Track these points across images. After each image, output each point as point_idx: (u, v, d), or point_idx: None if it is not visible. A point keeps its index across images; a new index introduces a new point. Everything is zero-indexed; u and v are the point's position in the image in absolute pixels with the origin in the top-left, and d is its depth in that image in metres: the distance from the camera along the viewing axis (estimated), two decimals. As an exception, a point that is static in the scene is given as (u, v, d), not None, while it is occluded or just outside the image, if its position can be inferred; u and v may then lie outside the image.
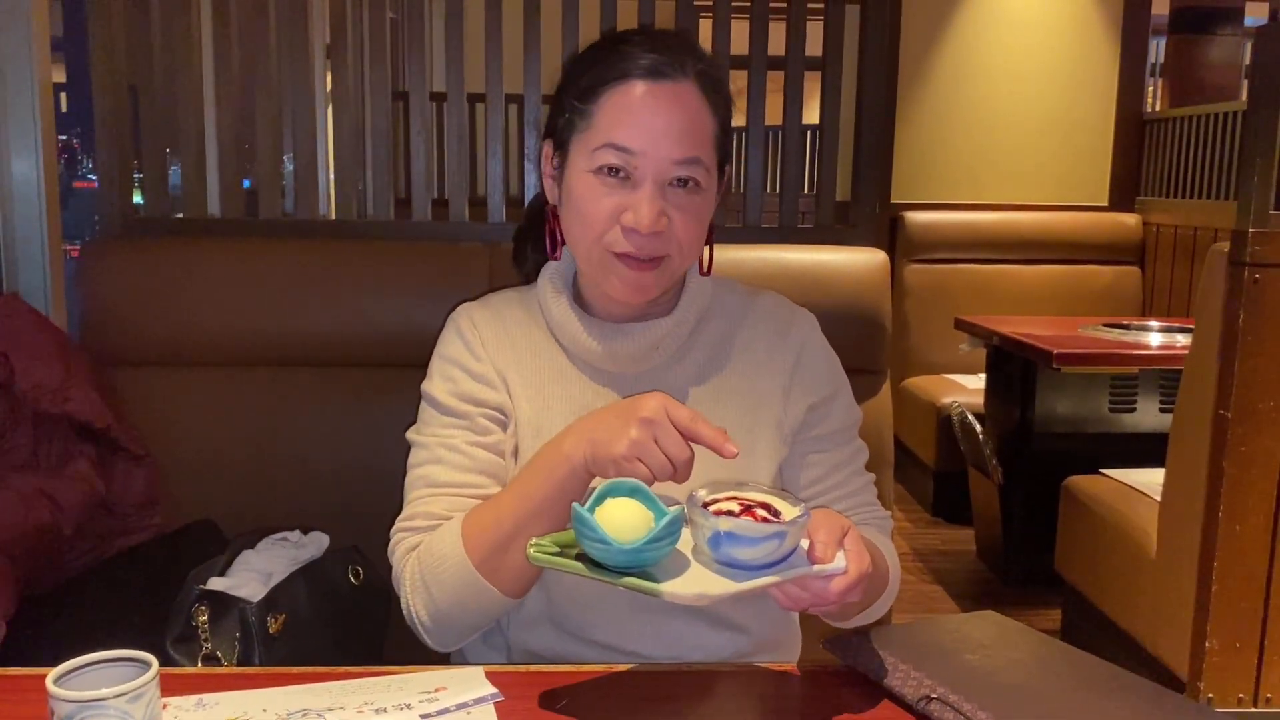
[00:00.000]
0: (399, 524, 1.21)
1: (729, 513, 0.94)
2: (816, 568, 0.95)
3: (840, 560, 0.96)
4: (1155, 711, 0.97)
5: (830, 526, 0.97)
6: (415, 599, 1.16)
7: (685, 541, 0.97)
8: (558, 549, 0.96)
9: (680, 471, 0.99)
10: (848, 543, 0.97)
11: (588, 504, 0.94)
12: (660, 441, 0.99)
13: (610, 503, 0.95)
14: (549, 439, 1.20)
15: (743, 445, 1.20)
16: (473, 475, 1.19)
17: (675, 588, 0.91)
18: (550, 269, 1.28)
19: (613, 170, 1.13)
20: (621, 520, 0.93)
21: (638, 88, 1.13)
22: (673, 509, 0.93)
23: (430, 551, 1.14)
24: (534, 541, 0.96)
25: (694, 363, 1.26)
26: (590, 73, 1.16)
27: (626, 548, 0.90)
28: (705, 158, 1.15)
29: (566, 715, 0.99)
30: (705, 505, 0.95)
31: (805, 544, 0.97)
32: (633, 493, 0.97)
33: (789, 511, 0.96)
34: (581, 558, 0.95)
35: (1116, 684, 1.02)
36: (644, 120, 1.12)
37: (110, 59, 1.83)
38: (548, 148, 1.24)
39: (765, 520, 0.94)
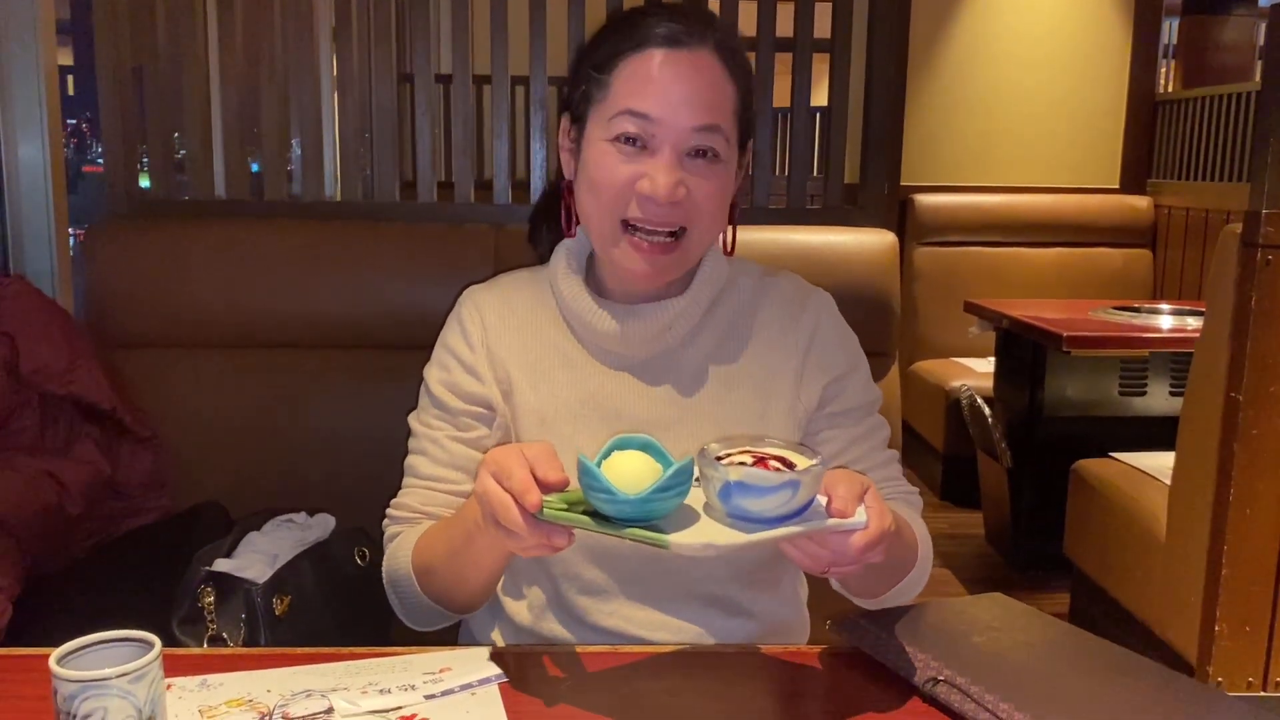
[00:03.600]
0: (389, 510, 1.25)
1: (741, 465, 0.90)
2: (833, 521, 0.90)
3: (861, 515, 0.91)
4: (1165, 694, 0.96)
5: (850, 482, 0.93)
6: (387, 591, 1.22)
7: (698, 500, 0.94)
8: (566, 506, 0.93)
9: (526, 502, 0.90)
10: (868, 499, 0.93)
11: (596, 459, 0.91)
12: (505, 484, 0.92)
13: (618, 455, 0.92)
14: (554, 427, 1.20)
15: (755, 430, 1.20)
16: (449, 470, 1.22)
17: (682, 538, 0.88)
18: (565, 247, 1.25)
19: (630, 139, 1.11)
20: (629, 472, 0.89)
21: (655, 56, 1.11)
22: (682, 459, 0.90)
23: (391, 558, 1.21)
24: (545, 499, 0.92)
25: (706, 345, 1.24)
26: (608, 44, 1.15)
27: (632, 498, 0.87)
28: (725, 126, 1.13)
29: (571, 696, 0.99)
30: (718, 459, 0.91)
31: (824, 501, 0.93)
32: (644, 447, 0.94)
33: (805, 464, 0.92)
34: (590, 514, 0.91)
35: (1125, 666, 1.01)
36: (662, 88, 1.10)
37: (115, 41, 1.83)
38: (565, 121, 1.22)
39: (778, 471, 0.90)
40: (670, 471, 0.88)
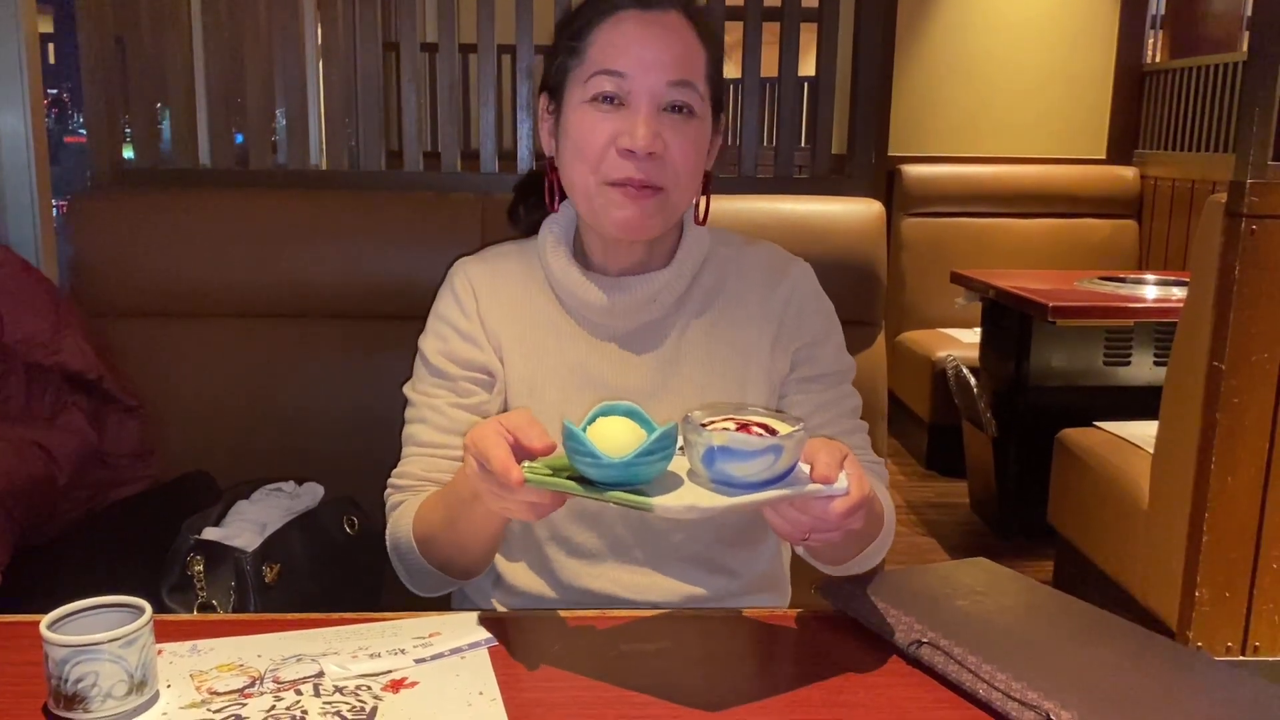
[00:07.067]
0: (390, 479, 1.26)
1: (724, 430, 0.91)
2: (815, 486, 0.91)
3: (842, 481, 0.92)
4: (1145, 655, 0.98)
5: (831, 449, 0.94)
6: (392, 559, 1.23)
7: (682, 466, 0.95)
8: (550, 471, 0.94)
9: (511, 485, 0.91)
10: (848, 466, 0.94)
11: (581, 425, 0.92)
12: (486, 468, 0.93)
13: (602, 421, 0.93)
14: (542, 395, 1.22)
15: (735, 397, 1.23)
16: (451, 437, 1.23)
17: (665, 500, 0.88)
18: (551, 221, 1.28)
19: (607, 97, 1.14)
20: (613, 437, 0.90)
21: (626, 19, 1.16)
22: (666, 425, 0.91)
23: (394, 527, 1.22)
24: (527, 464, 0.94)
25: (688, 315, 1.26)
26: (581, 16, 1.19)
27: (616, 461, 0.88)
28: (698, 83, 1.16)
29: (560, 660, 1.00)
30: (702, 425, 0.92)
31: (806, 469, 0.93)
32: (628, 414, 0.95)
33: (787, 431, 0.92)
34: (574, 479, 0.92)
35: (1107, 629, 1.02)
36: (635, 48, 1.14)
37: (97, 9, 1.81)
38: (544, 99, 1.24)
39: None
40: (654, 436, 0.89)
